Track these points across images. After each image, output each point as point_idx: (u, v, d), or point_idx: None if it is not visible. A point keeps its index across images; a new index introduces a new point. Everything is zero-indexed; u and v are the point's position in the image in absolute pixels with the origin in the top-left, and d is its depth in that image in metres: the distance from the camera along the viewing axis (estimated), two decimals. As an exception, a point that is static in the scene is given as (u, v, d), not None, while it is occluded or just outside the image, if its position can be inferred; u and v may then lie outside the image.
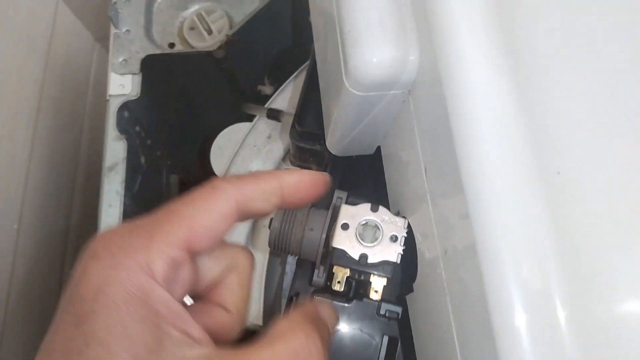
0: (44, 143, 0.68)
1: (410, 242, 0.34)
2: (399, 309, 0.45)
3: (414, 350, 0.44)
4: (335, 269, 0.35)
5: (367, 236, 0.34)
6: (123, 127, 0.55)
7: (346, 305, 0.45)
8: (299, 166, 0.51)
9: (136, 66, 0.57)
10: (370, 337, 0.45)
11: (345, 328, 0.45)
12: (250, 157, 0.60)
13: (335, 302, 0.45)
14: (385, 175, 0.39)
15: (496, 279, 0.23)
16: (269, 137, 0.60)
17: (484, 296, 0.23)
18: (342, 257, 0.34)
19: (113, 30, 0.58)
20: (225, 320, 0.25)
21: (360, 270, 0.34)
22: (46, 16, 0.68)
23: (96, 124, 0.83)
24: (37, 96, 0.66)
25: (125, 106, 0.56)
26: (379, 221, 0.35)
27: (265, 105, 0.60)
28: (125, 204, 0.53)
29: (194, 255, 0.23)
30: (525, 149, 0.24)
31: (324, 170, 0.47)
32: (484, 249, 0.24)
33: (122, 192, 0.52)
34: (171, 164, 0.70)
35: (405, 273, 0.35)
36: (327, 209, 0.42)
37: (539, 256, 0.23)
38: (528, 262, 0.23)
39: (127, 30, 0.58)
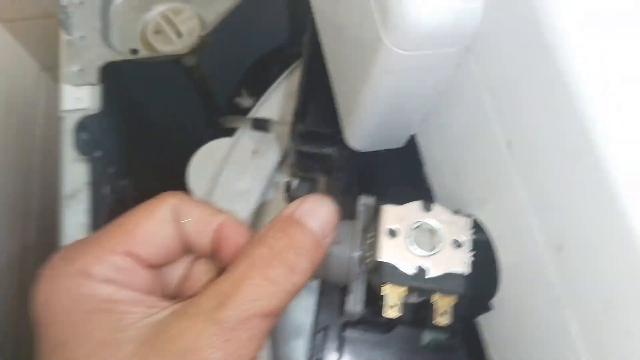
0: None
1: (482, 248, 0.26)
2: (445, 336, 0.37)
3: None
4: (385, 289, 0.26)
5: (422, 243, 0.26)
6: (83, 149, 0.46)
7: (384, 336, 0.37)
8: (302, 177, 0.43)
9: (94, 76, 0.48)
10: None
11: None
12: (236, 176, 0.51)
13: (370, 334, 0.37)
14: (428, 169, 0.31)
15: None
16: (256, 151, 0.52)
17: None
18: (393, 274, 0.26)
19: (65, 37, 0.49)
20: None
21: (419, 287, 0.26)
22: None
23: (48, 160, 0.74)
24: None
25: (83, 125, 0.47)
26: (435, 223, 0.27)
27: (248, 116, 0.52)
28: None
29: (146, 262, 0.24)
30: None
31: (334, 178, 0.39)
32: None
33: (88, 223, 0.43)
34: (139, 195, 0.61)
35: (476, 287, 0.27)
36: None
37: None
38: None
39: (81, 36, 0.50)
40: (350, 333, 0.36)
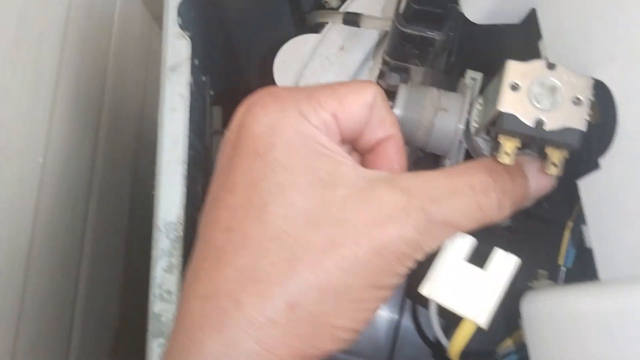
0: (70, 74, 0.61)
1: (603, 103, 0.27)
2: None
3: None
4: (502, 138, 0.28)
5: (543, 99, 0.28)
6: (187, 26, 0.48)
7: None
8: (395, 66, 0.44)
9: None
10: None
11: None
12: (322, 70, 0.53)
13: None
14: (548, 40, 0.32)
15: None
16: (342, 47, 0.53)
17: None
18: (513, 124, 0.27)
19: None
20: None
21: (538, 138, 0.27)
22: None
23: (120, 61, 0.77)
24: (62, 31, 0.59)
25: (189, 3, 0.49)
26: (557, 81, 0.28)
27: (340, 9, 0.53)
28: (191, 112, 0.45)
29: (342, 131, 0.26)
30: None
31: (447, 60, 0.40)
32: None
33: (188, 95, 0.45)
34: (215, 95, 0.63)
35: (587, 141, 0.29)
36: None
37: None
38: None
39: None
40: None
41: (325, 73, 0.52)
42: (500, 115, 0.28)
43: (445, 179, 0.25)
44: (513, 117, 0.27)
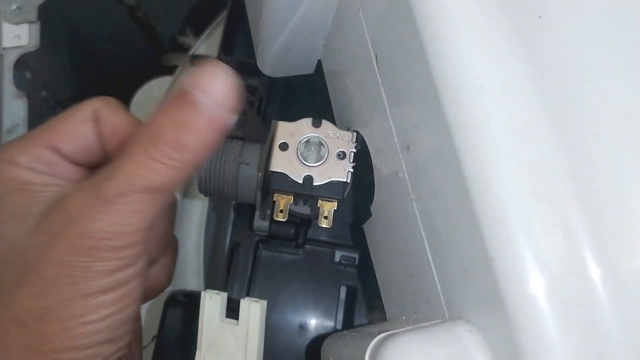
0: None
1: (363, 159, 0.29)
2: (355, 255, 0.40)
3: (375, 298, 0.39)
4: (277, 197, 0.29)
5: (310, 155, 0.29)
6: (23, 87, 0.48)
7: (297, 255, 0.40)
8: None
9: (33, 14, 0.49)
10: (327, 288, 0.40)
11: (298, 280, 0.40)
12: (176, 113, 0.53)
13: (284, 254, 0.40)
14: (330, 92, 0.34)
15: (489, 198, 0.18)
16: (196, 89, 0.54)
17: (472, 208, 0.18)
18: (284, 182, 0.29)
19: (2, -26, 0.50)
20: None
21: (306, 194, 0.28)
22: None
23: None
24: None
25: (24, 63, 0.49)
26: (322, 137, 0.29)
27: (189, 53, 0.54)
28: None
29: (69, 157, 0.26)
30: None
31: (258, 109, 0.41)
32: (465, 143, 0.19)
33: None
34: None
35: (359, 195, 0.30)
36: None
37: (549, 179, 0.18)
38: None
39: (19, -26, 0.50)
40: (264, 252, 0.39)
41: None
42: (271, 174, 0.29)
43: (117, 157, 0.23)
44: (283, 176, 0.29)
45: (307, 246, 0.40)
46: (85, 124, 0.26)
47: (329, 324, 0.39)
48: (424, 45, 0.20)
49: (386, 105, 0.24)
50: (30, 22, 0.49)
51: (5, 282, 0.23)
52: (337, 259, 0.40)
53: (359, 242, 0.39)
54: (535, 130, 0.19)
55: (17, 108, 0.46)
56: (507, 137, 0.18)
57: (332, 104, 0.34)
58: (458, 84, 0.19)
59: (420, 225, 0.23)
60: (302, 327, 0.39)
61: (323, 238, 0.40)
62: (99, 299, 0.22)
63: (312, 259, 0.40)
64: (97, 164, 0.27)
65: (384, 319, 0.31)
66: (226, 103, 0.22)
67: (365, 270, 0.39)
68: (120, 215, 0.22)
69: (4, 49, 0.48)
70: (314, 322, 0.39)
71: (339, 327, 0.40)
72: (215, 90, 0.22)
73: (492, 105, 0.19)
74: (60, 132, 0.26)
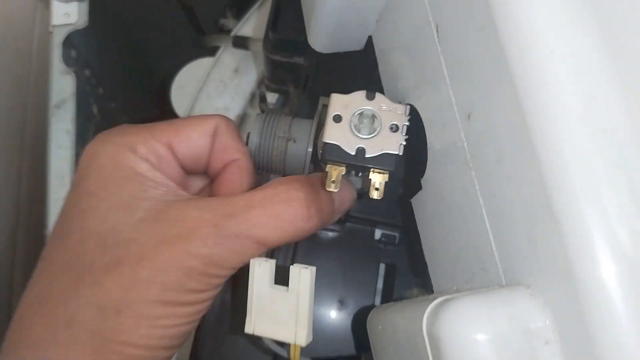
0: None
1: (415, 132, 0.29)
2: (395, 234, 0.41)
3: (414, 276, 0.40)
4: (329, 167, 0.30)
5: (363, 127, 0.29)
6: (70, 64, 0.49)
7: (338, 232, 0.41)
8: (275, 89, 0.46)
9: (81, -8, 0.50)
10: (366, 265, 0.41)
11: (338, 256, 0.40)
12: (217, 94, 0.54)
13: (326, 231, 0.40)
14: (380, 67, 0.34)
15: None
16: (236, 70, 0.55)
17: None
18: (336, 153, 0.29)
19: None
20: None
21: (358, 165, 0.29)
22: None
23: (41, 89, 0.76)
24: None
25: (71, 42, 0.50)
26: (376, 110, 0.29)
27: (231, 34, 0.54)
28: (77, 148, 0.46)
29: (181, 160, 0.28)
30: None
31: (304, 85, 0.42)
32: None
33: (74, 131, 0.46)
34: (127, 120, 0.63)
35: (410, 169, 0.30)
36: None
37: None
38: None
39: (69, -47, 0.51)
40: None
41: (220, 96, 0.54)
42: (325, 145, 0.29)
43: (244, 195, 0.26)
44: (336, 147, 0.29)
45: (347, 224, 0.41)
46: (205, 135, 0.28)
47: (368, 300, 0.40)
48: (493, 12, 0.20)
49: (446, 75, 0.25)
50: (79, 0, 0.50)
51: (95, 263, 0.24)
52: (377, 237, 0.40)
53: (399, 222, 0.40)
54: (605, 96, 0.19)
55: (65, 84, 0.47)
56: (577, 101, 0.19)
57: (382, 79, 0.34)
58: (528, 49, 0.19)
59: (479, 194, 0.23)
60: (342, 302, 0.40)
61: (364, 216, 0.40)
62: (178, 309, 0.24)
63: (353, 236, 0.40)
64: (195, 172, 0.30)
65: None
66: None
67: (404, 249, 0.40)
68: (228, 252, 0.24)
69: (53, 26, 0.49)
70: (353, 298, 0.40)
71: (377, 304, 0.40)
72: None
73: (563, 70, 0.19)
74: (182, 135, 0.27)
